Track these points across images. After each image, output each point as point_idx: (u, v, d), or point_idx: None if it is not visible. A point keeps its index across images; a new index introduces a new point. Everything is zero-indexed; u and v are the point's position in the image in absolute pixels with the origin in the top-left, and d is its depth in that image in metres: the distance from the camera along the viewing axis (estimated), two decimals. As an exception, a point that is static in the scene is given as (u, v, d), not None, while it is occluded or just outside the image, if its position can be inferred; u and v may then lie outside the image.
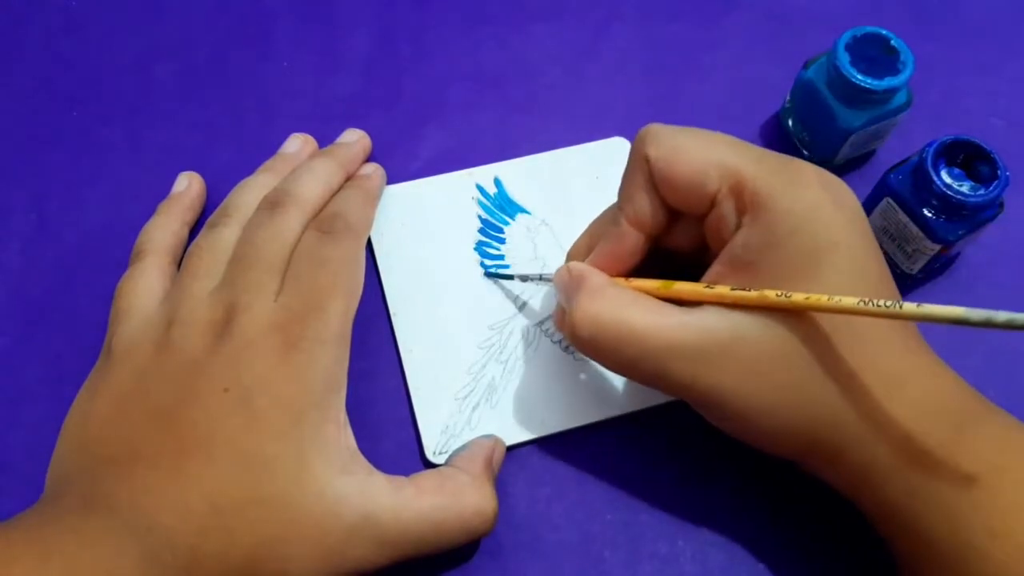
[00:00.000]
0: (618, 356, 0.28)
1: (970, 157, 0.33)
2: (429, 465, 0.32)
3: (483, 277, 0.36)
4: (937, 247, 0.34)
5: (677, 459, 0.33)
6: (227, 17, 0.43)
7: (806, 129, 0.38)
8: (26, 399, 0.34)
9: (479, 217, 0.38)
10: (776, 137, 0.40)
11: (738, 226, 0.27)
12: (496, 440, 0.32)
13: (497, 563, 0.31)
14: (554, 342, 0.35)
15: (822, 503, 0.32)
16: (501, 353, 0.34)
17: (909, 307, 0.23)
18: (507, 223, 0.37)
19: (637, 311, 0.28)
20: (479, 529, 0.29)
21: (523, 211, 0.38)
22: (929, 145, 0.33)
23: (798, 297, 0.25)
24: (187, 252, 0.33)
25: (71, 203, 0.38)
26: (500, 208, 0.38)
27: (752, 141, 0.39)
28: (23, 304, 0.36)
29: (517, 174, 0.39)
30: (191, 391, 0.28)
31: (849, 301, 0.24)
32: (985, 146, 0.32)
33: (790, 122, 0.39)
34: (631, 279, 0.30)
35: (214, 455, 0.27)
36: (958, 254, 0.37)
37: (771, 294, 0.26)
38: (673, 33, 0.43)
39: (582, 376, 0.34)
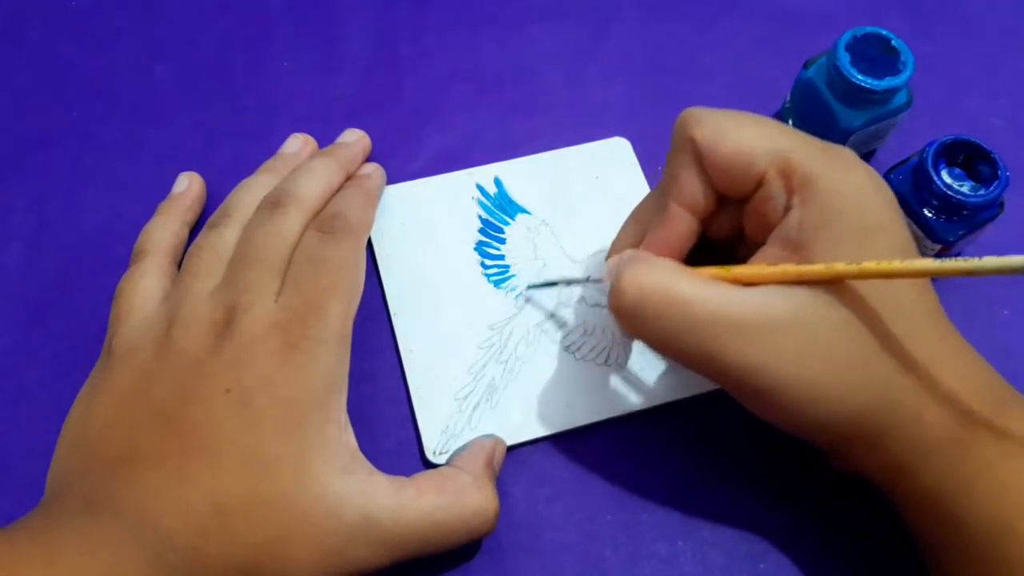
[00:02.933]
0: (662, 326, 0.27)
1: (970, 157, 0.33)
2: (429, 465, 0.32)
3: (481, 275, 0.36)
4: (937, 247, 0.34)
5: (677, 459, 0.33)
6: (227, 17, 0.43)
7: (806, 129, 0.38)
8: (26, 399, 0.34)
9: (479, 217, 0.38)
10: (776, 137, 0.40)
11: (787, 207, 0.27)
12: (496, 440, 0.32)
13: (497, 563, 0.31)
14: (554, 342, 0.35)
15: (823, 503, 0.32)
16: (501, 353, 0.34)
17: (991, 260, 0.23)
18: (507, 223, 0.37)
19: (687, 280, 0.27)
20: (480, 529, 0.29)
21: (523, 211, 0.38)
22: (929, 145, 0.33)
23: (869, 265, 0.25)
24: (188, 252, 0.33)
25: (71, 203, 0.38)
26: (500, 208, 0.38)
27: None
28: (23, 304, 0.36)
29: (517, 174, 0.39)
30: (192, 392, 0.28)
31: (925, 263, 0.24)
32: (985, 146, 0.32)
33: (790, 122, 0.39)
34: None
35: (216, 456, 0.27)
36: (958, 254, 0.37)
37: (840, 265, 0.25)
38: (673, 33, 0.43)
39: (582, 376, 0.34)
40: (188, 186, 0.37)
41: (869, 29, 0.35)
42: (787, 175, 0.27)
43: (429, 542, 0.28)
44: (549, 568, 0.31)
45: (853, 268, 0.25)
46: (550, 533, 0.32)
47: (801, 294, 0.26)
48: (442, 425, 0.33)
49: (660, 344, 0.28)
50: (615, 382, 0.34)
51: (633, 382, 0.34)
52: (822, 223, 0.26)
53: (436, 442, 0.33)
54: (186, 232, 0.36)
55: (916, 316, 0.27)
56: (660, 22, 0.43)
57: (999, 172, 0.32)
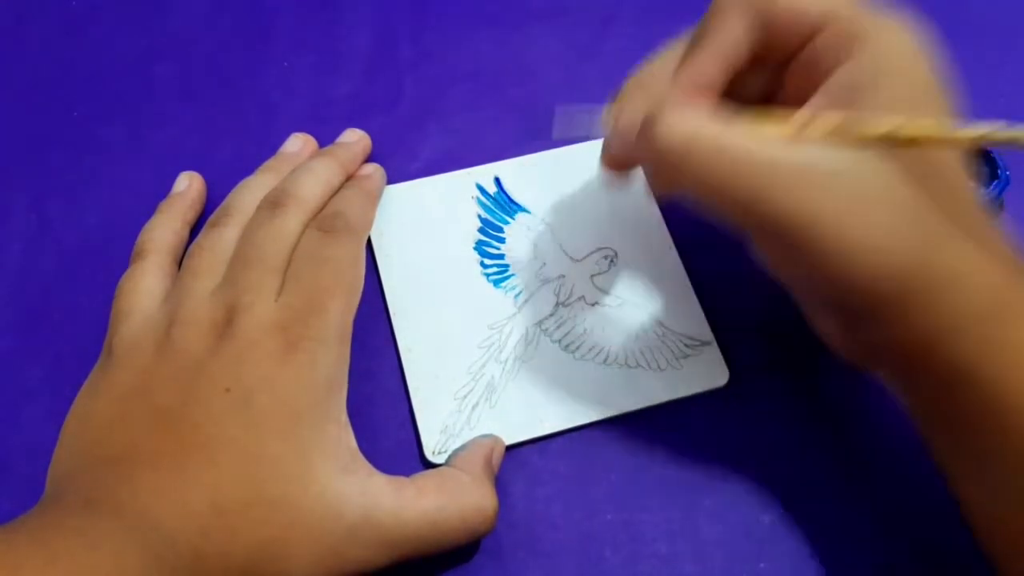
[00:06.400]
0: (710, 173, 0.25)
1: (970, 157, 0.33)
2: (428, 465, 0.32)
3: (481, 275, 0.36)
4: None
5: (677, 459, 0.33)
6: (227, 17, 0.43)
7: (806, 129, 0.38)
8: (26, 399, 0.34)
9: (479, 217, 0.38)
10: (776, 137, 0.40)
11: (837, 63, 0.27)
12: (496, 439, 0.32)
13: (497, 563, 0.31)
14: (553, 341, 0.35)
15: (823, 503, 0.32)
16: (501, 353, 0.34)
17: None
18: (507, 222, 0.37)
19: (738, 127, 0.26)
20: (480, 529, 0.29)
21: (523, 210, 0.38)
22: (929, 145, 0.33)
23: (911, 129, 0.25)
24: (188, 251, 0.34)
25: (71, 203, 0.38)
26: (500, 208, 0.38)
27: (752, 141, 0.40)
28: (23, 304, 0.36)
29: (517, 173, 0.39)
30: (192, 391, 0.28)
31: (976, 131, 0.24)
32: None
33: (790, 122, 0.39)
34: None
35: (215, 455, 0.27)
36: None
37: (876, 130, 0.25)
38: (673, 33, 0.43)
39: (582, 376, 0.34)
40: (188, 185, 0.37)
41: (869, 29, 0.35)
42: (839, 32, 0.27)
43: (429, 542, 0.28)
44: (549, 568, 0.31)
45: (898, 136, 0.25)
46: (550, 533, 0.32)
47: (849, 151, 0.25)
48: (441, 425, 0.33)
49: (704, 190, 0.26)
50: (615, 382, 0.34)
51: (633, 382, 0.34)
52: (872, 81, 0.26)
53: (435, 442, 0.33)
54: (186, 231, 0.36)
55: (960, 183, 0.27)
56: (660, 22, 0.43)
57: (999, 172, 0.32)
